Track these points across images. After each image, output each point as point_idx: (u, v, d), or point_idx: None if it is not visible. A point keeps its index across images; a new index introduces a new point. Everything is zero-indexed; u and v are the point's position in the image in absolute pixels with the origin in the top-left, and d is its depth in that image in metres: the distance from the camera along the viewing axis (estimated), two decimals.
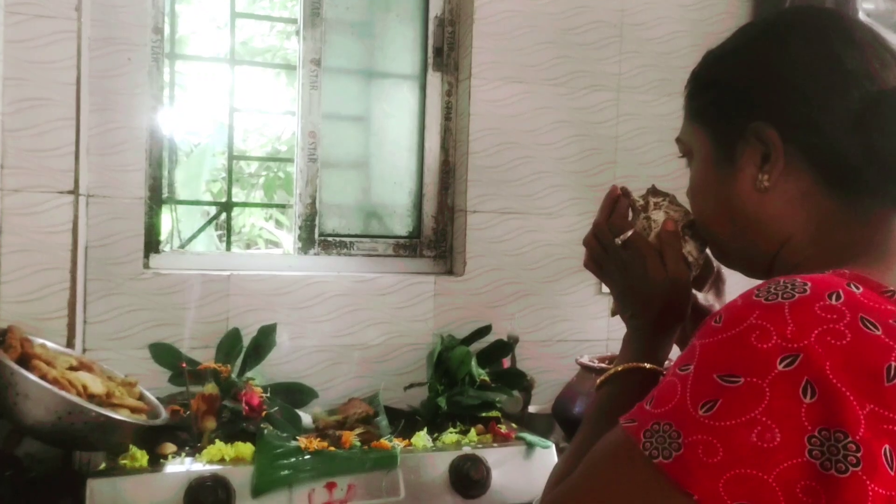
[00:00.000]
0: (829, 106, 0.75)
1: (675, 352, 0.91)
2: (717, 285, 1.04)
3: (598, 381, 0.92)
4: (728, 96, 0.81)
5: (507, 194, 2.02)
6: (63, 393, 1.23)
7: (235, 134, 1.99)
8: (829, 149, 0.75)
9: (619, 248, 0.92)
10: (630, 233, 0.92)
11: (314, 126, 1.97)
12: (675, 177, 2.22)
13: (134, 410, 1.38)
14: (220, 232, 3.98)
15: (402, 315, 1.93)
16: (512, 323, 1.98)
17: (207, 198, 3.14)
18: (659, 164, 2.14)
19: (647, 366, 0.88)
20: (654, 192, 0.97)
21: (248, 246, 3.83)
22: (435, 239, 2.08)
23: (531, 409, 1.93)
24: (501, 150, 2.01)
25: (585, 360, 1.87)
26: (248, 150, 3.05)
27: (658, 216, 0.94)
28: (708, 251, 0.94)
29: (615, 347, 2.11)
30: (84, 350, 1.69)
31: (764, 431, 0.59)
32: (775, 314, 0.62)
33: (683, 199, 0.93)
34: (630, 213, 0.96)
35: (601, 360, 1.91)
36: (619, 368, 0.89)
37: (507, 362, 1.91)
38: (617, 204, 0.95)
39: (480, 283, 2.00)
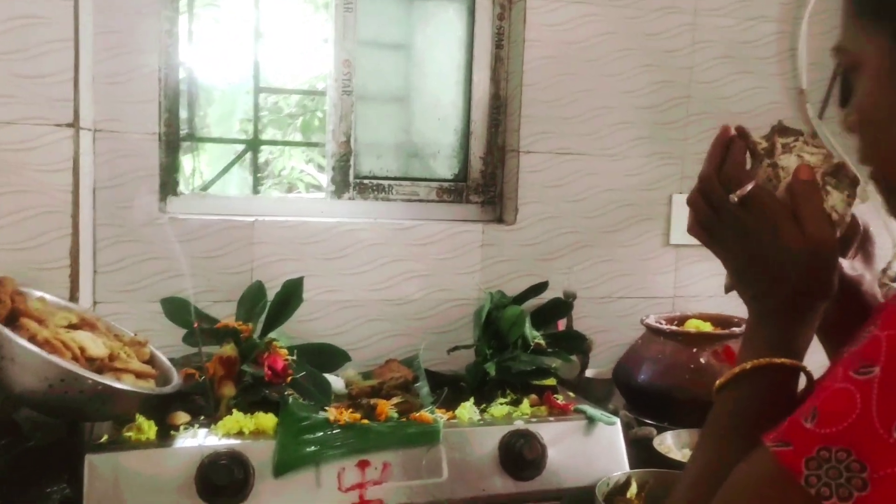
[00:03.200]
0: None
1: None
2: (866, 248, 0.80)
3: (718, 383, 0.72)
4: None
5: (565, 132, 1.78)
6: (53, 358, 1.06)
7: (267, 68, 1.78)
8: None
9: (736, 208, 0.70)
10: (751, 186, 0.70)
11: (349, 54, 1.74)
12: (758, 114, 1.97)
13: (140, 376, 1.21)
14: (259, 175, 3.81)
15: (445, 267, 1.73)
16: (569, 278, 1.76)
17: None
18: (741, 100, 1.88)
19: (786, 362, 0.67)
20: (781, 129, 0.75)
21: (289, 190, 3.66)
22: (483, 183, 1.86)
23: (588, 373, 1.73)
24: (560, 81, 1.76)
25: (652, 320, 1.66)
26: (282, 85, 2.83)
27: (789, 162, 0.72)
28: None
29: (683, 305, 1.88)
30: (94, 303, 1.53)
31: None
32: None
33: None
34: (749, 161, 0.74)
35: (669, 320, 1.69)
36: (748, 366, 0.69)
37: (562, 323, 1.70)
38: (731, 149, 0.73)
39: (533, 233, 1.78)
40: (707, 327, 1.63)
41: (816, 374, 0.69)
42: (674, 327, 1.61)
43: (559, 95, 1.77)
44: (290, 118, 3.80)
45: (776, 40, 1.88)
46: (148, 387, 1.20)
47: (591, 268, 1.83)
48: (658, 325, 1.64)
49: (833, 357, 0.84)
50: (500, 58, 1.82)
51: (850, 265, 0.76)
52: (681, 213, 1.86)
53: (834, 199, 0.69)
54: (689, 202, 0.76)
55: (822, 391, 0.53)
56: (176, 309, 1.39)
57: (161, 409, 1.25)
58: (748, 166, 0.73)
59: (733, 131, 0.75)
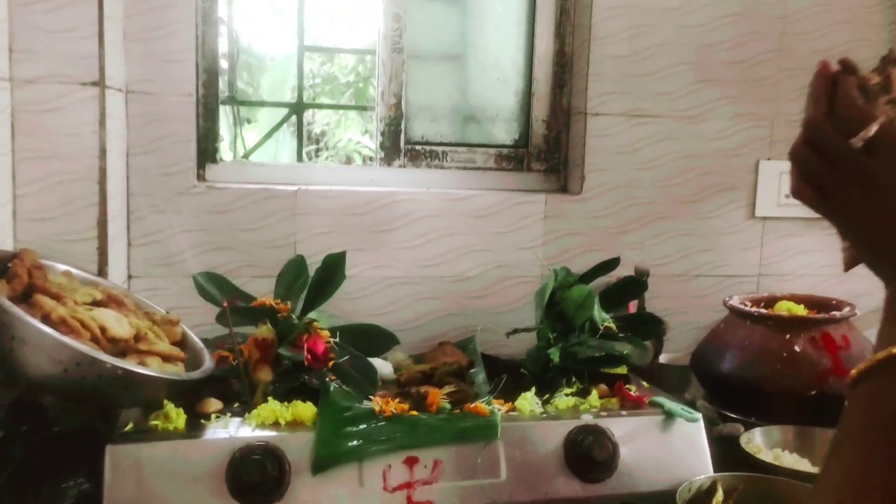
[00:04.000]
0: None
1: None
2: None
3: (855, 373, 0.57)
4: None
5: (639, 92, 1.60)
6: (66, 339, 0.95)
7: (314, 27, 1.65)
8: None
9: (859, 155, 0.57)
10: (877, 126, 0.57)
11: (399, 8, 1.59)
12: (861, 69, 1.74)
13: (167, 359, 1.10)
14: (314, 146, 3.70)
15: (504, 241, 1.58)
16: (641, 253, 1.59)
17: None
18: (839, 53, 1.64)
19: None
20: (895, 59, 0.61)
21: (347, 162, 3.55)
22: (546, 149, 1.69)
23: (662, 359, 1.56)
24: (634, 35, 1.58)
25: (736, 301, 1.48)
26: (337, 47, 2.70)
27: None
28: None
29: (768, 285, 1.69)
30: (130, 277, 1.43)
31: None
32: None
33: None
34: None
35: (755, 301, 1.51)
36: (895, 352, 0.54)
37: (633, 304, 1.53)
38: (839, 86, 0.61)
39: (602, 204, 1.61)
40: (800, 310, 1.45)
41: None
42: (762, 310, 1.43)
43: (632, 51, 1.58)
44: (344, 87, 3.68)
45: None
46: (175, 371, 1.09)
47: (666, 242, 1.65)
48: (743, 307, 1.45)
49: None
50: (566, 10, 1.65)
51: None
52: (769, 182, 1.67)
53: None
54: (794, 156, 0.62)
55: None
56: (210, 285, 1.27)
57: (191, 394, 1.14)
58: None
59: (836, 67, 0.63)
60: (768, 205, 1.67)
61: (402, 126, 1.63)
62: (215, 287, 1.27)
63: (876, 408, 0.55)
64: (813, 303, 1.48)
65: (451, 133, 1.68)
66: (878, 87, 0.61)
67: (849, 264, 0.64)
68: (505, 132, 1.70)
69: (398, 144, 1.63)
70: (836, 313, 1.38)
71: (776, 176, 1.66)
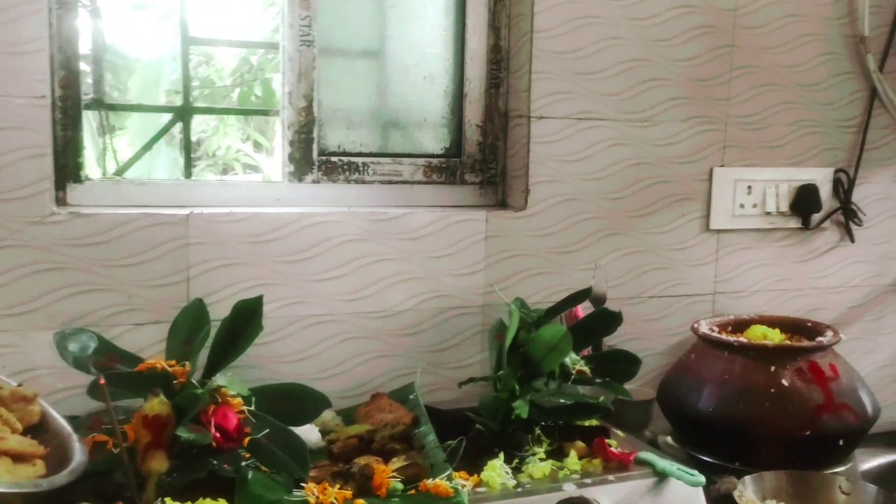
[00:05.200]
0: None
1: None
2: None
3: None
4: None
5: (586, 92, 1.41)
6: None
7: (201, 19, 1.37)
8: None
9: None
10: None
11: None
12: (811, 67, 1.64)
13: (19, 458, 0.79)
14: (193, 155, 3.33)
15: (440, 267, 1.35)
16: (596, 275, 1.40)
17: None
18: (789, 49, 1.54)
19: None
20: None
21: (224, 173, 3.21)
22: (482, 158, 1.47)
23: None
24: (579, 28, 1.39)
25: (705, 327, 1.32)
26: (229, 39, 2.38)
27: None
28: None
29: (724, 303, 1.55)
30: None
31: None
32: None
33: None
34: None
35: (722, 326, 1.35)
36: None
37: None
38: None
39: (549, 220, 1.41)
40: (776, 335, 1.30)
41: None
42: (741, 339, 1.26)
43: (578, 45, 1.39)
44: (224, 91, 3.34)
45: None
46: (31, 476, 0.79)
47: (617, 261, 1.47)
48: (716, 334, 1.29)
49: None
50: None
51: None
52: (723, 191, 1.52)
53: None
54: None
55: None
56: (75, 345, 0.97)
57: (56, 502, 0.84)
58: None
59: None
60: (722, 216, 1.52)
61: (315, 134, 1.37)
62: (84, 347, 0.96)
63: None
64: (788, 325, 1.34)
65: (371, 142, 1.43)
66: None
67: None
68: (434, 140, 1.47)
69: (310, 156, 1.37)
70: (822, 339, 1.24)
71: (730, 184, 1.52)
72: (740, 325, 1.35)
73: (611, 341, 1.39)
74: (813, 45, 1.55)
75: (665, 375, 1.37)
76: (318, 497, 0.88)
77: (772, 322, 1.35)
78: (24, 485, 0.76)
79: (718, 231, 1.54)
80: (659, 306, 1.51)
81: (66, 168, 1.22)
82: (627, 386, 1.38)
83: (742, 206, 1.53)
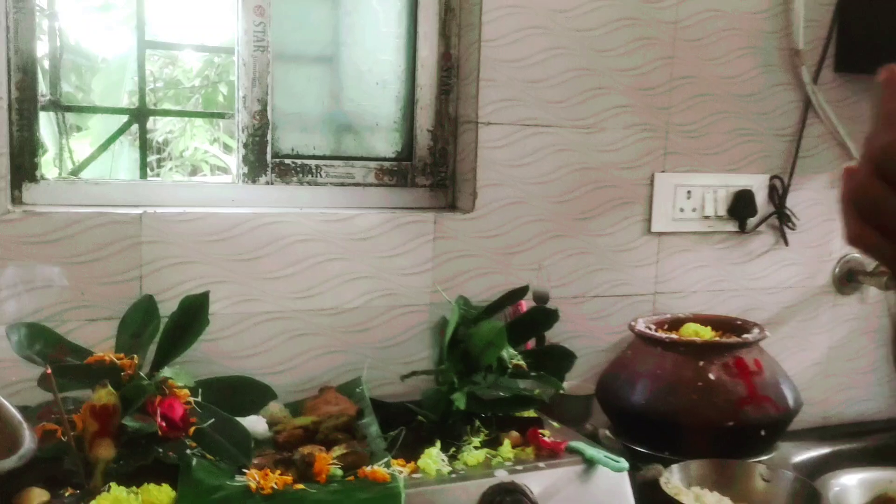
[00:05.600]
0: None
1: None
2: None
3: None
4: None
5: (533, 100, 1.47)
6: None
7: (160, 23, 1.40)
8: None
9: None
10: None
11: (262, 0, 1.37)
12: (748, 78, 1.72)
13: None
14: (155, 156, 3.35)
15: (390, 266, 1.40)
16: (539, 275, 1.46)
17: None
18: (728, 61, 1.61)
19: None
20: None
21: (193, 174, 3.23)
22: (432, 162, 1.53)
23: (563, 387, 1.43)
24: (525, 38, 1.45)
25: (642, 325, 1.38)
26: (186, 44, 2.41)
27: None
28: None
29: (665, 302, 1.61)
30: None
31: None
32: None
33: None
34: None
35: (659, 324, 1.42)
36: None
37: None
38: None
39: (495, 222, 1.47)
40: (707, 332, 1.37)
41: None
42: (673, 336, 1.33)
43: (525, 54, 1.45)
44: (189, 91, 3.35)
45: None
46: None
47: (561, 262, 1.53)
48: (650, 331, 1.35)
49: None
50: (452, 8, 1.49)
51: None
52: (664, 196, 1.59)
53: None
54: (861, 191, 0.45)
55: None
56: (27, 339, 1.01)
57: (7, 485, 0.87)
58: None
59: None
60: (663, 220, 1.59)
61: (269, 137, 1.41)
62: (34, 341, 1.00)
63: None
64: (719, 323, 1.41)
65: (324, 145, 1.48)
66: None
67: None
68: (386, 143, 1.52)
69: (264, 158, 1.41)
70: (748, 336, 1.31)
71: (671, 189, 1.58)
72: (676, 324, 1.42)
73: (555, 339, 1.45)
74: (750, 57, 1.63)
75: (603, 371, 1.43)
76: (259, 482, 0.92)
77: (705, 320, 1.42)
78: None
79: (659, 234, 1.60)
80: (602, 305, 1.58)
81: (23, 168, 1.26)
82: (570, 382, 1.45)
83: (682, 210, 1.60)
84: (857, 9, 1.64)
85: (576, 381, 1.48)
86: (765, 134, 1.66)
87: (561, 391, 1.17)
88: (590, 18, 1.49)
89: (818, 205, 1.71)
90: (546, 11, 1.45)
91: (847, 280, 1.76)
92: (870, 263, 1.77)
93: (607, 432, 1.43)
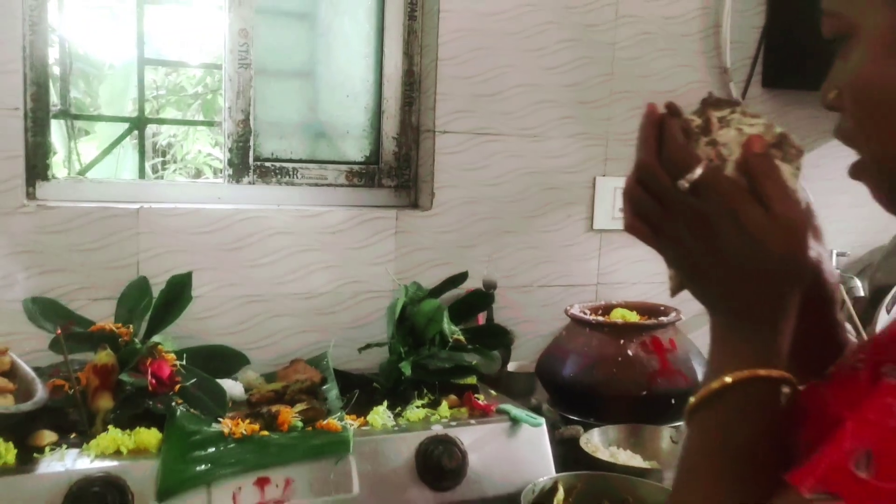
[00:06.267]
0: None
1: None
2: (814, 224, 0.72)
3: (693, 402, 0.60)
4: None
5: (485, 111, 1.66)
6: None
7: (156, 39, 1.60)
8: None
9: (686, 197, 0.59)
10: (701, 169, 0.59)
11: (245, 22, 1.57)
12: (681, 93, 1.91)
13: None
14: (160, 159, 3.55)
15: (356, 257, 1.59)
16: (489, 266, 1.65)
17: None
18: (664, 78, 1.80)
19: (772, 373, 0.57)
20: (713, 102, 0.64)
21: (196, 175, 3.43)
22: (397, 165, 1.73)
23: (510, 367, 1.63)
24: (478, 56, 1.65)
25: (576, 310, 1.57)
26: (180, 61, 2.62)
27: (728, 137, 0.61)
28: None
29: (606, 293, 1.81)
30: None
31: None
32: None
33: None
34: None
35: (593, 310, 1.61)
36: (730, 380, 0.57)
37: (482, 315, 1.59)
38: (665, 130, 0.62)
39: (451, 219, 1.66)
40: (633, 317, 1.56)
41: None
42: (599, 318, 1.52)
43: (477, 71, 1.65)
44: (191, 98, 3.55)
45: (699, 17, 1.82)
46: (4, 404, 1.02)
47: (511, 255, 1.72)
48: (583, 315, 1.55)
49: (794, 353, 0.75)
50: (414, 30, 1.69)
51: None
52: (605, 197, 1.78)
53: (784, 172, 0.60)
54: (628, 194, 0.64)
55: (868, 426, 0.44)
56: (41, 310, 1.21)
57: (22, 427, 1.07)
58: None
59: (663, 110, 0.64)
60: (604, 218, 1.79)
61: (251, 142, 1.61)
62: (47, 312, 1.20)
63: (715, 432, 0.59)
64: (644, 309, 1.60)
65: (301, 150, 1.68)
66: (698, 130, 0.63)
67: (675, 290, 0.66)
68: (356, 149, 1.72)
69: (247, 161, 1.61)
70: (664, 318, 1.50)
71: (611, 191, 1.78)
72: (608, 310, 1.61)
73: (506, 323, 1.64)
74: (683, 74, 1.82)
75: (542, 351, 1.62)
76: (231, 429, 1.12)
77: (633, 307, 1.61)
78: None
79: (601, 231, 1.80)
80: (548, 294, 1.77)
81: (36, 168, 1.45)
82: (516, 362, 1.65)
83: (621, 210, 1.79)
84: (783, 30, 1.84)
85: (524, 362, 1.67)
86: None
87: (492, 361, 1.36)
88: (536, 40, 1.68)
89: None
90: (496, 34, 1.65)
91: None
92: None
93: (548, 405, 1.63)
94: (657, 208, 0.61)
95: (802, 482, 0.46)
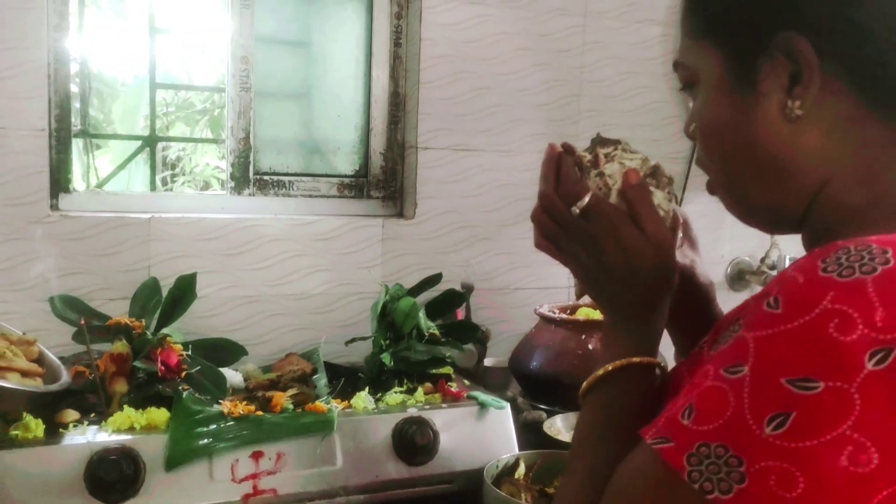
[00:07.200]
0: (882, 3, 0.58)
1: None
2: (689, 236, 0.88)
3: (584, 387, 0.75)
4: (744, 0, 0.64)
5: (462, 129, 1.83)
6: None
7: (166, 63, 1.77)
8: (879, 60, 0.59)
9: (578, 220, 0.73)
10: (588, 197, 0.73)
11: (246, 50, 1.75)
12: (644, 112, 2.07)
13: (26, 374, 1.20)
14: (169, 172, 3.73)
15: (346, 261, 1.76)
16: (467, 270, 1.82)
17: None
18: (627, 98, 1.97)
19: (643, 360, 0.71)
20: (601, 141, 0.79)
21: (204, 188, 3.61)
22: (383, 178, 1.89)
23: (487, 362, 1.79)
24: (456, 80, 1.82)
25: (545, 310, 1.73)
26: (187, 82, 2.80)
27: (613, 170, 0.76)
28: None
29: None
30: None
31: (857, 452, 0.46)
32: (857, 295, 0.48)
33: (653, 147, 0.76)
34: (579, 174, 0.78)
35: (562, 309, 1.77)
36: (610, 368, 0.71)
37: (461, 313, 1.76)
38: (561, 166, 0.77)
39: (432, 227, 1.83)
40: (597, 315, 1.71)
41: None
42: (564, 316, 1.68)
43: (456, 93, 1.82)
44: (199, 114, 3.74)
45: (661, 42, 1.98)
46: (34, 385, 1.19)
47: (488, 260, 1.89)
48: (550, 314, 1.71)
49: (681, 341, 0.90)
50: (399, 56, 1.86)
51: (680, 254, 0.83)
52: None
53: (658, 197, 0.74)
54: (534, 219, 0.78)
55: (695, 387, 0.55)
56: (66, 307, 1.37)
57: (50, 407, 1.23)
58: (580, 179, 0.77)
59: (559, 149, 0.79)
60: None
61: (251, 158, 1.78)
62: (71, 308, 1.37)
63: (603, 412, 0.71)
64: None
65: (296, 164, 1.85)
66: (589, 164, 0.76)
67: (579, 295, 0.80)
68: (346, 163, 1.89)
69: (247, 175, 1.78)
70: None
71: None
72: (575, 309, 1.77)
73: (485, 323, 1.80)
74: (646, 94, 1.99)
75: (515, 347, 1.78)
76: (230, 409, 1.28)
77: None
78: (30, 387, 1.17)
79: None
80: (523, 296, 1.93)
81: (59, 182, 1.62)
82: (493, 358, 1.81)
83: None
84: None
85: (500, 358, 1.83)
86: (661, 157, 1.99)
87: (462, 353, 1.52)
88: (509, 64, 1.85)
89: (705, 216, 2.04)
90: (473, 59, 1.82)
91: (738, 278, 2.12)
92: (755, 264, 2.12)
93: (521, 397, 1.79)
94: (558, 230, 0.75)
95: (647, 432, 0.57)
